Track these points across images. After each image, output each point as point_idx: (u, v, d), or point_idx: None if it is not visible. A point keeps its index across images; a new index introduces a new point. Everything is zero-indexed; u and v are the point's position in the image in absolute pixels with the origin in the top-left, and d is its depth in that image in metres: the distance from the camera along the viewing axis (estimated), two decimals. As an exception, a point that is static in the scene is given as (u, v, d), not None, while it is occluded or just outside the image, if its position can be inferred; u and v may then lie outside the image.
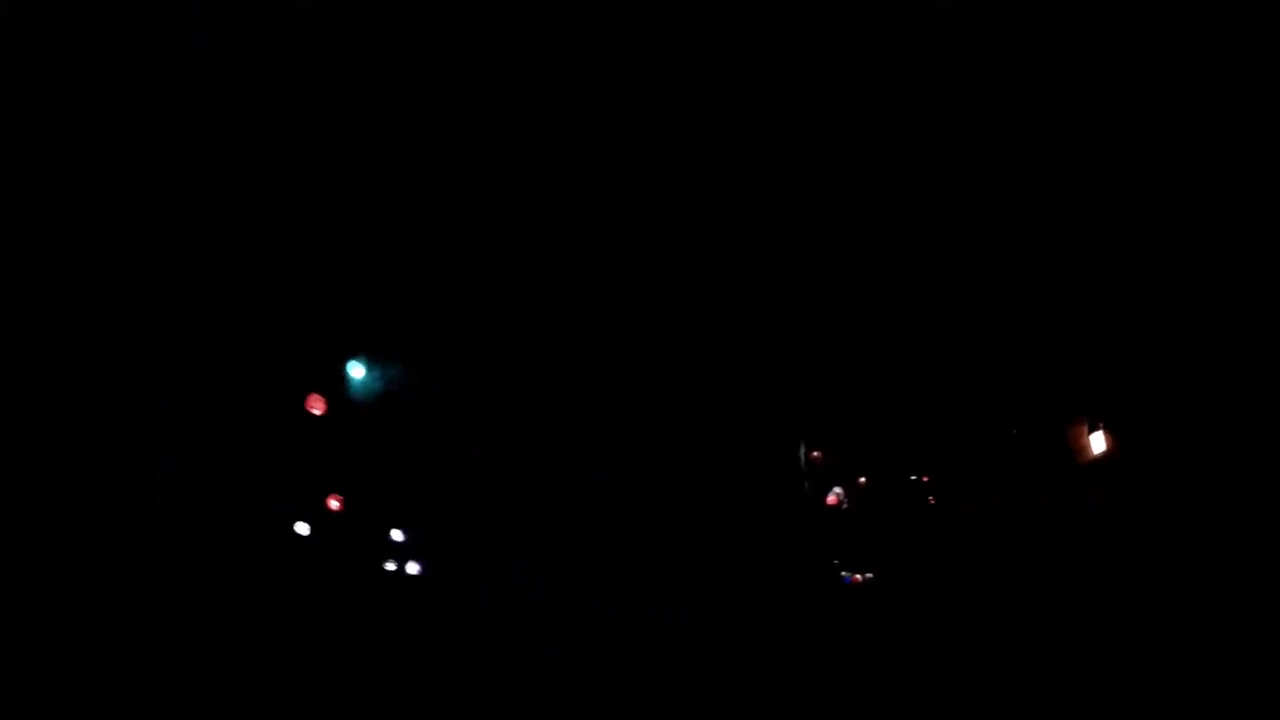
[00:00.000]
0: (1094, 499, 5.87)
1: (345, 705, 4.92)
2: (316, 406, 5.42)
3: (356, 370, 5.58)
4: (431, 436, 5.96)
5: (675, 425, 6.47)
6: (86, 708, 4.30)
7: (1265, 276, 4.92)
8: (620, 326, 6.23)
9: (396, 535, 5.79)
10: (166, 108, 4.69)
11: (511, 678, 5.33)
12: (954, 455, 6.88)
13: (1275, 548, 4.86)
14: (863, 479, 7.74)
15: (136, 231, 4.81)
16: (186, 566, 4.86)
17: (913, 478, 7.45)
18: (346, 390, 5.63)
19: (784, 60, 5.16)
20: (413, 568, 5.77)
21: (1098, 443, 5.95)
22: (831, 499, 7.65)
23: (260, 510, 5.24)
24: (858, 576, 7.34)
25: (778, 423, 7.16)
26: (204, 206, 5.04)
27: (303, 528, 5.35)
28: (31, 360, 4.58)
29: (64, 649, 4.40)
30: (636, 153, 5.66)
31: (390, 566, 5.72)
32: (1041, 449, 6.34)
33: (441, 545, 5.85)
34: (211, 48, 4.72)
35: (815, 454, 7.61)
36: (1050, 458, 6.26)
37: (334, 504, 5.54)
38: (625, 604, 5.93)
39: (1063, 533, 6.01)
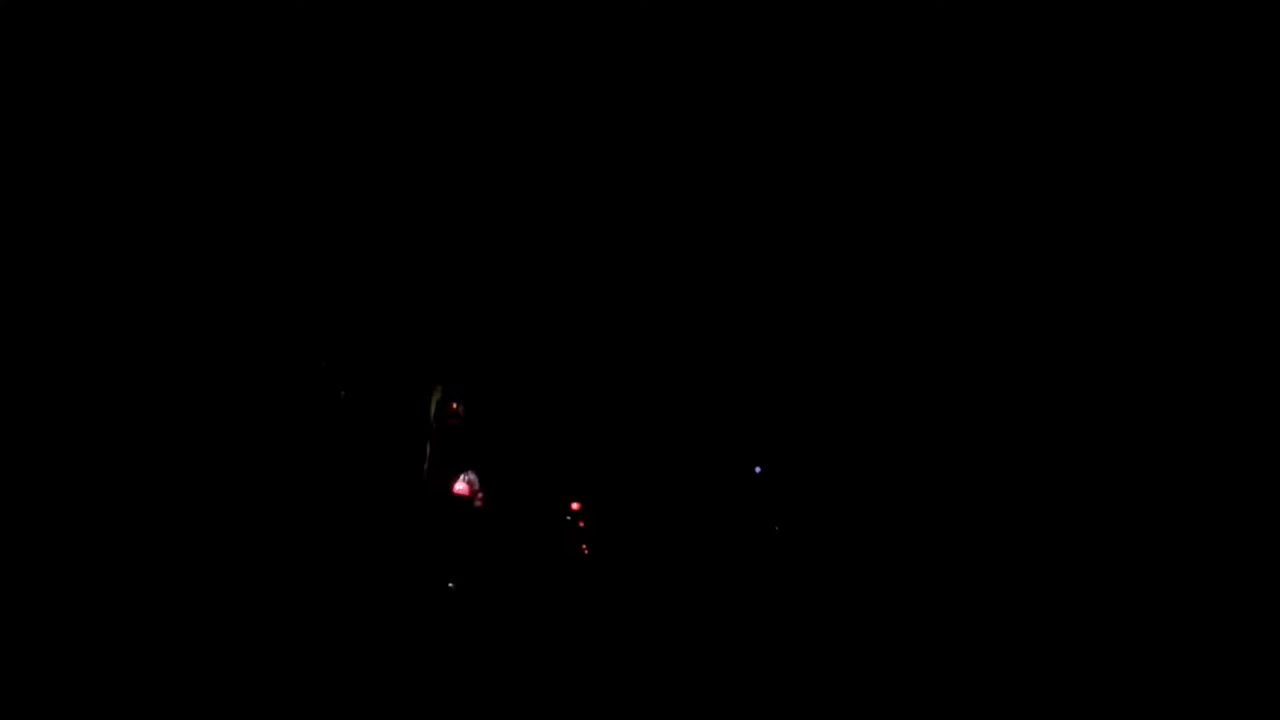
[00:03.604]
0: (1093, 499, 5.83)
1: (346, 706, 4.89)
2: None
3: None
4: (432, 436, 5.89)
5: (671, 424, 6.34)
6: (86, 708, 4.27)
7: (1264, 276, 4.92)
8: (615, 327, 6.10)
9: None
10: (166, 107, 4.72)
11: (512, 678, 5.29)
12: (948, 454, 6.55)
13: (1275, 547, 4.85)
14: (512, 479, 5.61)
15: (136, 231, 4.82)
16: (187, 566, 4.85)
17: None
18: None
19: (779, 56, 5.18)
20: (413, 569, 5.63)
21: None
22: (461, 487, 5.31)
23: (260, 510, 5.22)
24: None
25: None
26: (204, 205, 5.06)
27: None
28: (33, 360, 4.59)
29: (64, 649, 4.39)
30: (633, 153, 5.66)
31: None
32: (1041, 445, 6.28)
33: (442, 545, 5.78)
34: (211, 47, 4.75)
35: (455, 406, 5.41)
36: (1051, 457, 6.22)
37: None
38: (625, 598, 5.76)
39: (1062, 532, 5.97)
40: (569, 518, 5.79)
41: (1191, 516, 5.08)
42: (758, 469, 5.94)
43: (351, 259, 5.21)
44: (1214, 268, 5.21)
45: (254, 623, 4.60)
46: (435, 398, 5.37)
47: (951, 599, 5.55)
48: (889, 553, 5.78)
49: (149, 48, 4.58)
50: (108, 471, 4.58)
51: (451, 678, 4.80)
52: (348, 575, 4.88)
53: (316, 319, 5.15)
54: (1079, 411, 5.53)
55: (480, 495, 5.39)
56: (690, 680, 5.02)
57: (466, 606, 5.18)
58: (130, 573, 4.59)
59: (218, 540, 4.76)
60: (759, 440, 5.99)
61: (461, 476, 5.38)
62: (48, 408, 4.43)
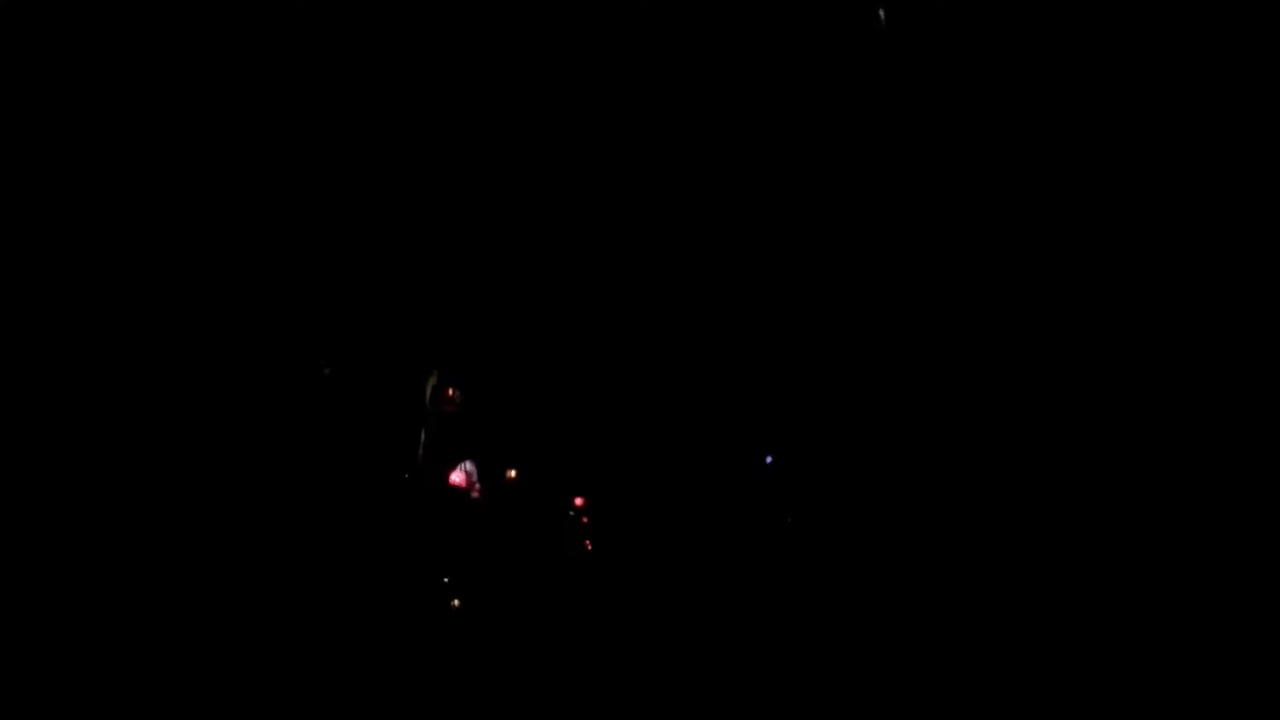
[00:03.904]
0: (1091, 499, 5.84)
1: (347, 706, 4.93)
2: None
3: None
4: (432, 437, 5.85)
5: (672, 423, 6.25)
6: (86, 708, 4.33)
7: (1262, 277, 4.95)
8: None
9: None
10: (166, 107, 4.75)
11: (510, 677, 5.31)
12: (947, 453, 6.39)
13: (1275, 548, 4.88)
14: (513, 471, 5.20)
15: (136, 230, 4.85)
16: (187, 567, 4.89)
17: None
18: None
19: (776, 53, 5.19)
20: (407, 563, 5.51)
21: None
22: (459, 477, 5.02)
23: (245, 500, 5.18)
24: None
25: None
26: (203, 206, 5.08)
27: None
28: (35, 360, 4.64)
29: (64, 649, 4.43)
30: (637, 137, 5.63)
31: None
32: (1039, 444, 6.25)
33: (437, 539, 5.76)
34: (211, 47, 4.77)
35: (450, 392, 5.10)
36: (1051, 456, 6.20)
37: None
38: (631, 596, 5.66)
39: (1062, 532, 5.98)
40: (572, 512, 5.49)
41: (1191, 515, 5.09)
42: (769, 459, 5.81)
43: (342, 237, 5.19)
44: (1213, 267, 5.21)
45: (240, 614, 4.61)
46: (431, 383, 5.18)
47: (967, 594, 5.50)
48: (905, 545, 5.72)
49: (149, 47, 4.59)
50: (85, 444, 4.52)
51: (447, 675, 4.72)
52: (338, 570, 4.75)
53: (305, 300, 5.02)
54: (1093, 389, 5.53)
55: (478, 486, 5.18)
56: (697, 679, 4.92)
57: (463, 603, 4.96)
58: (110, 557, 4.53)
59: (201, 530, 4.64)
60: (771, 429, 5.89)
61: (459, 466, 5.19)
62: (36, 388, 4.43)
